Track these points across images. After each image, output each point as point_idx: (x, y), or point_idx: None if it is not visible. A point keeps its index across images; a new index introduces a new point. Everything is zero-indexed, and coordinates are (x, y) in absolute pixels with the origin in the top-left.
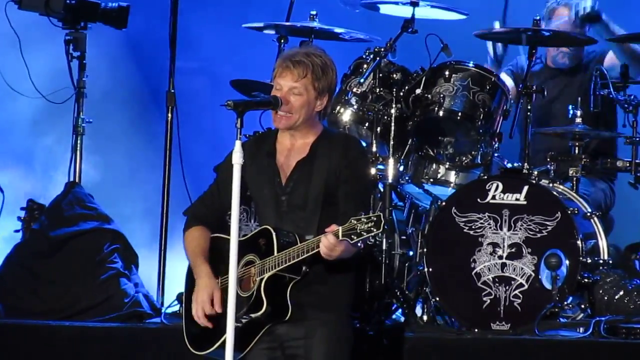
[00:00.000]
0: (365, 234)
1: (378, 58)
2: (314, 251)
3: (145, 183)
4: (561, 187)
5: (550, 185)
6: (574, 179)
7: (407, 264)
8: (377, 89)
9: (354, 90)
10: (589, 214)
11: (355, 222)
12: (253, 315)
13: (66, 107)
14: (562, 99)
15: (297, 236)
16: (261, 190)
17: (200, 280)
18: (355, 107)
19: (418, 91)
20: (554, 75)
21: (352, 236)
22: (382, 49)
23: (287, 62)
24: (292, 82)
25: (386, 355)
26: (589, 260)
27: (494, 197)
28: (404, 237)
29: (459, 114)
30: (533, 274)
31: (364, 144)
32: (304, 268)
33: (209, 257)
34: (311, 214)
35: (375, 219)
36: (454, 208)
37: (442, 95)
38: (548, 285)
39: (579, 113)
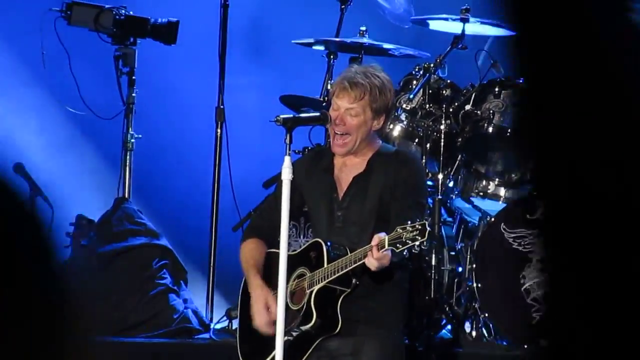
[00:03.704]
0: (410, 242)
1: (428, 74)
2: (361, 261)
3: None
4: None
5: None
6: None
7: (456, 280)
8: (427, 105)
9: (404, 106)
10: None
11: (400, 230)
12: (303, 328)
13: (115, 123)
14: None
15: (347, 249)
16: (318, 205)
17: (253, 292)
18: (404, 123)
19: (467, 107)
20: None
21: (398, 245)
22: (432, 65)
23: (345, 82)
24: (348, 104)
25: None
26: None
27: None
28: (453, 253)
29: (509, 130)
30: None
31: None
32: (354, 281)
33: (264, 272)
34: (365, 228)
35: (420, 227)
36: (503, 224)
37: (491, 112)
38: None
39: None
